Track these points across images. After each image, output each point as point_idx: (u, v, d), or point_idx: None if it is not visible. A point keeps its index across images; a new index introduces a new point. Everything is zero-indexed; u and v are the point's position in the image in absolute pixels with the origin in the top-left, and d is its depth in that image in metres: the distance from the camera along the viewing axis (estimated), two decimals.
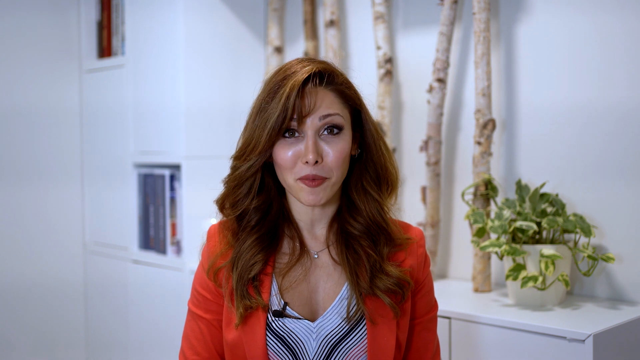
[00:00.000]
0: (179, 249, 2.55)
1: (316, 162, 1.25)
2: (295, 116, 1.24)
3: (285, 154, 1.26)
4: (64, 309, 2.92)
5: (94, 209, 2.93)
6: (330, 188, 1.28)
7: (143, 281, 2.67)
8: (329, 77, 1.28)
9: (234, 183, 1.31)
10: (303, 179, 1.26)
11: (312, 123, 1.25)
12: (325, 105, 1.26)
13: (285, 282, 1.32)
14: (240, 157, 1.30)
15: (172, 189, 2.56)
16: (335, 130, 1.27)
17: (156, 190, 2.62)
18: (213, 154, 2.52)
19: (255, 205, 1.32)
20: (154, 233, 2.64)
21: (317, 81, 1.27)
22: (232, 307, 1.30)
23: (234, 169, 1.32)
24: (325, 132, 1.27)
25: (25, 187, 2.81)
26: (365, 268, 1.30)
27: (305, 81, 1.26)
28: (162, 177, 2.58)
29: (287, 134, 1.26)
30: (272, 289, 1.31)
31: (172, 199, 2.56)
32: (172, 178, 2.56)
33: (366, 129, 1.33)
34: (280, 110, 1.24)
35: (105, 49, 2.85)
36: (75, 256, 2.96)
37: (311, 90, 1.26)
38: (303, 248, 1.35)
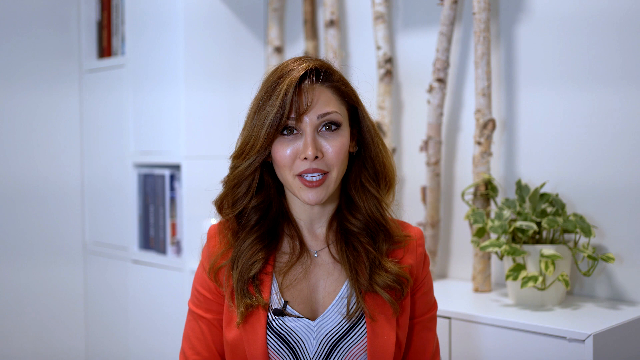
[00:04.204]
0: (179, 249, 2.55)
1: (316, 157, 1.25)
2: (292, 114, 1.25)
3: (284, 151, 1.27)
4: (64, 309, 2.92)
5: (94, 209, 2.93)
6: (333, 184, 1.28)
7: (143, 281, 2.66)
8: (325, 74, 1.29)
9: (233, 182, 1.32)
10: (302, 175, 1.26)
11: (310, 120, 1.26)
12: (323, 103, 1.27)
13: (286, 281, 1.32)
14: (239, 156, 1.31)
15: (172, 189, 2.56)
16: (334, 127, 1.28)
17: (156, 190, 2.62)
18: (213, 154, 2.52)
19: (255, 204, 1.33)
20: (154, 233, 2.64)
21: (314, 78, 1.28)
22: (233, 305, 1.30)
23: (233, 168, 1.32)
24: (324, 129, 1.28)
25: (24, 187, 2.81)
26: (364, 265, 1.31)
27: (302, 78, 1.27)
28: (162, 177, 2.58)
29: (285, 132, 1.27)
30: (273, 287, 1.31)
31: (172, 199, 2.56)
32: (172, 178, 2.56)
33: (363, 125, 1.34)
34: (278, 108, 1.24)
35: (105, 49, 2.86)
36: (75, 256, 2.96)
37: (308, 87, 1.27)
38: (303, 247, 1.35)
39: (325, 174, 1.27)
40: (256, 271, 1.30)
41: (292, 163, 1.27)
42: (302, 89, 1.27)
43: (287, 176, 1.28)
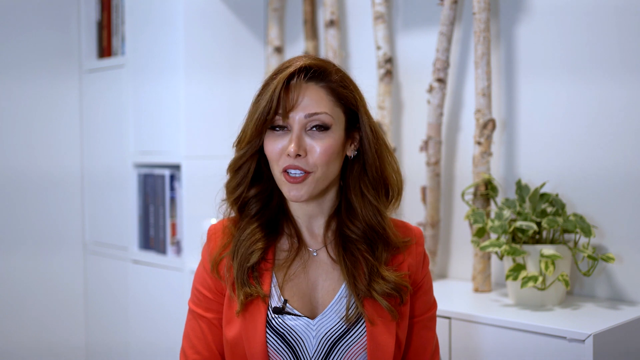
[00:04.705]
0: (179, 249, 2.55)
1: (299, 155, 1.25)
2: (280, 110, 1.26)
3: (273, 146, 1.28)
4: (64, 309, 2.92)
5: (94, 209, 2.93)
6: (315, 183, 1.28)
7: (143, 281, 2.67)
8: (317, 74, 1.28)
9: (233, 167, 1.35)
10: (285, 171, 1.27)
11: (298, 119, 1.26)
12: (313, 102, 1.27)
13: (285, 279, 1.32)
14: (236, 145, 1.34)
15: (172, 189, 2.56)
16: (322, 128, 1.27)
17: (156, 190, 2.62)
18: (213, 154, 2.52)
19: (254, 193, 1.34)
20: (154, 233, 2.64)
21: (303, 77, 1.27)
22: (234, 295, 1.30)
23: (235, 154, 1.35)
24: (313, 129, 1.27)
25: (25, 187, 2.81)
26: (363, 271, 1.31)
27: (292, 76, 1.27)
28: (162, 177, 2.58)
29: (277, 128, 1.28)
30: (272, 284, 1.32)
31: (172, 199, 2.56)
32: (172, 178, 2.56)
33: (363, 132, 1.33)
34: (266, 103, 1.26)
35: (105, 49, 2.86)
36: (75, 256, 2.96)
37: (296, 85, 1.27)
38: (301, 244, 1.35)
39: (307, 173, 1.27)
40: (255, 261, 1.31)
41: (279, 158, 1.28)
42: (291, 87, 1.27)
43: (275, 171, 1.30)
